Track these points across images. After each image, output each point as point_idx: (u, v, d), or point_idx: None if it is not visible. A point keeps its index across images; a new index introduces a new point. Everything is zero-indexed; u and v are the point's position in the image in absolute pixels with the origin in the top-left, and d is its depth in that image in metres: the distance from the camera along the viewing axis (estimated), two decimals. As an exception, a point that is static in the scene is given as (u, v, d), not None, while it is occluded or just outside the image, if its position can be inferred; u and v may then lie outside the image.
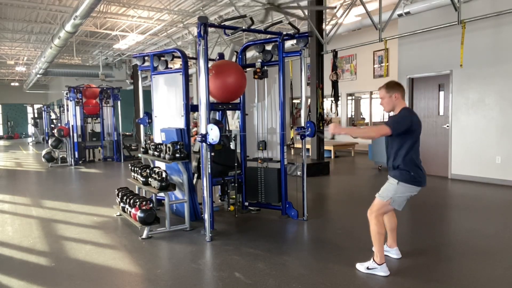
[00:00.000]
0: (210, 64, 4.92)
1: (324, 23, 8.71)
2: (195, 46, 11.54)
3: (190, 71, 9.81)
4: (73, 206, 5.99)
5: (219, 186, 5.41)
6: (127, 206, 4.75)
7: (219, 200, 5.59)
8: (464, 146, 7.49)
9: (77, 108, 11.37)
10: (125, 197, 4.86)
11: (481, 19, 6.50)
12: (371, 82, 12.69)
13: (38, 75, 17.55)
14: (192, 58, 7.14)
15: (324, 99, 9.29)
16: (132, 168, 5.29)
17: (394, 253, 3.59)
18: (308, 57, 8.95)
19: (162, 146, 4.81)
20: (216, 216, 4.99)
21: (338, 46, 9.09)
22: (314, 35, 8.46)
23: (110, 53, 17.53)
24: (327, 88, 9.24)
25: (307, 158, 8.96)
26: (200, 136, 4.10)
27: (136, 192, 5.32)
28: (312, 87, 9.02)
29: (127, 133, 20.15)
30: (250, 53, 10.34)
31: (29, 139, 24.53)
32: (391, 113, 3.42)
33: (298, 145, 11.54)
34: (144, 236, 4.32)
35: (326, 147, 10.09)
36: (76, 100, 11.21)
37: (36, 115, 24.09)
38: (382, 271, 3.22)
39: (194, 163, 5.24)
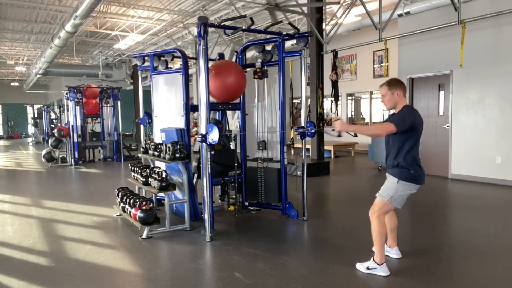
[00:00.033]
0: (210, 64, 4.92)
1: (324, 23, 8.71)
2: (195, 46, 11.54)
3: (190, 71, 9.80)
4: (73, 206, 5.99)
5: (219, 186, 5.41)
6: (127, 206, 4.75)
7: (219, 200, 5.59)
8: (464, 146, 7.49)
9: (77, 108, 11.37)
10: (125, 197, 4.86)
11: (481, 19, 6.50)
12: (371, 82, 12.69)
13: (38, 75, 17.56)
14: (192, 58, 7.15)
15: (324, 99, 9.30)
16: (132, 168, 5.29)
17: (394, 253, 3.59)
18: (308, 57, 8.95)
19: (162, 146, 4.81)
20: (216, 216, 4.99)
21: (338, 46, 9.09)
22: (314, 35, 8.46)
23: (110, 53, 17.54)
24: (327, 88, 9.24)
25: (307, 158, 8.95)
26: (200, 136, 4.10)
27: (136, 192, 5.32)
28: (312, 87, 9.02)
29: (127, 133, 20.15)
30: (250, 53, 10.33)
31: (29, 139, 24.53)
32: (391, 111, 3.42)
33: (298, 145, 11.54)
34: (144, 236, 4.32)
35: (326, 147, 10.09)
36: (76, 100, 11.22)
37: (36, 115, 24.10)
38: (382, 271, 3.22)
39: (194, 163, 5.24)
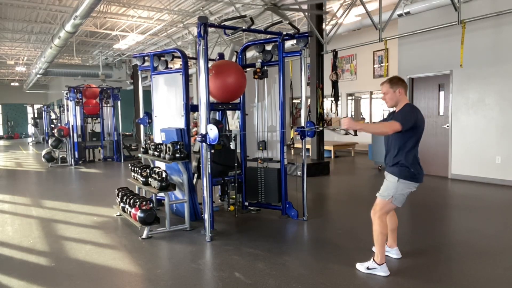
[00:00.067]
0: (210, 64, 4.92)
1: (324, 23, 8.71)
2: (195, 46, 11.53)
3: (190, 71, 9.81)
4: (73, 206, 5.99)
5: (219, 186, 5.41)
6: (127, 206, 4.75)
7: (219, 200, 5.59)
8: (464, 146, 7.49)
9: (77, 108, 11.37)
10: (125, 197, 4.86)
11: (481, 19, 6.50)
12: (371, 82, 12.69)
13: (38, 75, 17.55)
14: (192, 58, 7.14)
15: (324, 99, 9.29)
16: (132, 168, 5.29)
17: (394, 253, 3.59)
18: (308, 57, 8.95)
19: (162, 146, 4.81)
20: (216, 216, 4.99)
21: (338, 46, 9.09)
22: (314, 35, 8.46)
23: (110, 53, 17.53)
24: (327, 88, 9.24)
25: (307, 158, 8.96)
26: (200, 136, 4.10)
27: (136, 192, 5.32)
28: (312, 87, 9.02)
29: (127, 133, 20.16)
30: (250, 53, 10.34)
31: (29, 139, 24.53)
32: (391, 109, 3.41)
33: (298, 145, 11.54)
34: (144, 236, 4.32)
35: (326, 147, 10.09)
36: (76, 100, 11.22)
37: (36, 115, 24.09)
38: (382, 271, 3.22)
39: (194, 163, 5.24)
